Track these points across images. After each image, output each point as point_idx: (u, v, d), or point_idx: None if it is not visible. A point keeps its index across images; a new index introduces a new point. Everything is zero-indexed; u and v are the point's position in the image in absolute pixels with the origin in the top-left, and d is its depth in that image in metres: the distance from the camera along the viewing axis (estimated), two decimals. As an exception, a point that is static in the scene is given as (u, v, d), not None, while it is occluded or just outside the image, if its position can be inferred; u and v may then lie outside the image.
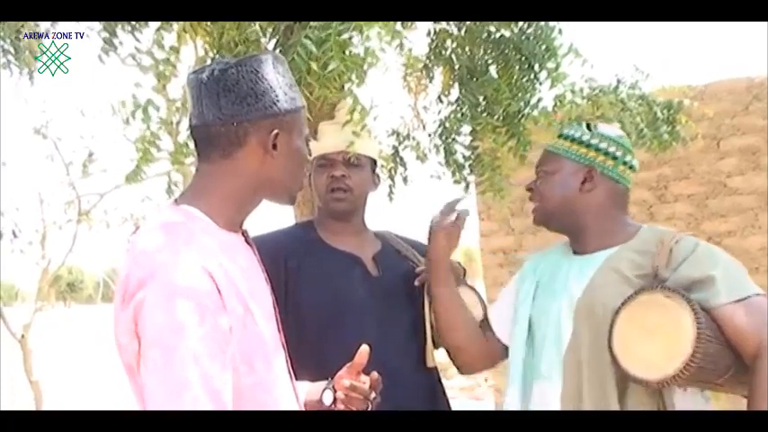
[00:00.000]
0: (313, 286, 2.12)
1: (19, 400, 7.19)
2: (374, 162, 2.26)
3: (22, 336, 6.26)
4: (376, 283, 2.15)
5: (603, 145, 1.94)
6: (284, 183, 1.46)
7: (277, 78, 1.40)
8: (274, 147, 1.40)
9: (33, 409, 6.20)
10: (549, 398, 1.88)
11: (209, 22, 2.40)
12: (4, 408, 7.88)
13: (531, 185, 2.00)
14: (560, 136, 2.01)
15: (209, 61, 2.58)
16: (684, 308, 1.69)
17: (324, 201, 2.20)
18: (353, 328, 2.06)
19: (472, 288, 2.27)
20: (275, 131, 1.39)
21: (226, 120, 1.37)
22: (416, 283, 2.15)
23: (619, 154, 1.96)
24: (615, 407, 1.78)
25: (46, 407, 6.32)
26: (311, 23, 2.06)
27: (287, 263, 2.13)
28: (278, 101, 1.39)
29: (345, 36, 2.03)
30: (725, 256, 1.85)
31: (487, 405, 6.29)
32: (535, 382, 1.93)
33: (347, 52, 2.04)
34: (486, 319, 2.16)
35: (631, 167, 1.99)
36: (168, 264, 1.26)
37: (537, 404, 1.92)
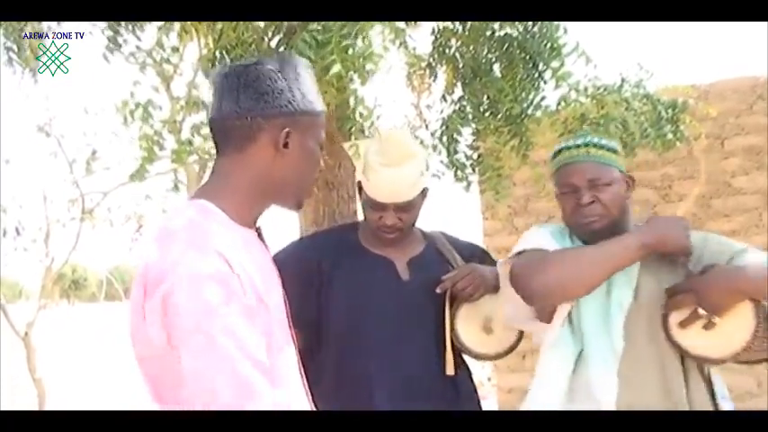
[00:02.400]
0: (342, 287, 2.13)
1: (22, 397, 7.20)
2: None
3: (26, 333, 6.27)
4: (403, 288, 2.15)
5: (620, 150, 2.07)
6: (293, 184, 1.47)
7: (297, 80, 1.43)
8: (285, 145, 1.42)
9: (37, 406, 6.21)
10: (605, 387, 1.93)
11: (209, 24, 2.40)
12: (7, 406, 7.90)
13: (591, 199, 2.01)
14: (600, 147, 2.05)
15: (210, 60, 2.58)
16: None
17: (372, 228, 2.19)
18: (375, 330, 2.07)
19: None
20: (287, 130, 1.41)
21: (241, 113, 1.40)
22: (438, 290, 2.12)
23: None
24: (683, 395, 1.89)
25: (49, 404, 6.33)
26: (310, 26, 2.05)
27: (321, 263, 2.16)
28: (294, 100, 1.42)
29: (348, 41, 2.01)
30: (725, 239, 2.03)
31: (491, 404, 6.29)
32: (585, 371, 1.97)
33: (349, 52, 2.03)
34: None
35: None
36: (188, 253, 1.30)
37: (588, 391, 1.95)
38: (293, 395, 1.45)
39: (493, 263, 2.22)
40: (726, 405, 1.95)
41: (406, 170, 2.08)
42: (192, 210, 1.40)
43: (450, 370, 2.12)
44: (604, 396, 1.91)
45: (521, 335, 2.20)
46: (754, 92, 5.17)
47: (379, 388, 2.04)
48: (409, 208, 2.14)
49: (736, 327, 1.83)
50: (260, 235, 1.51)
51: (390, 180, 2.07)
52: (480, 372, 9.59)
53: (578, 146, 2.05)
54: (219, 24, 2.34)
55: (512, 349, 2.21)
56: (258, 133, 1.41)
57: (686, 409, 1.87)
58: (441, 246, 2.26)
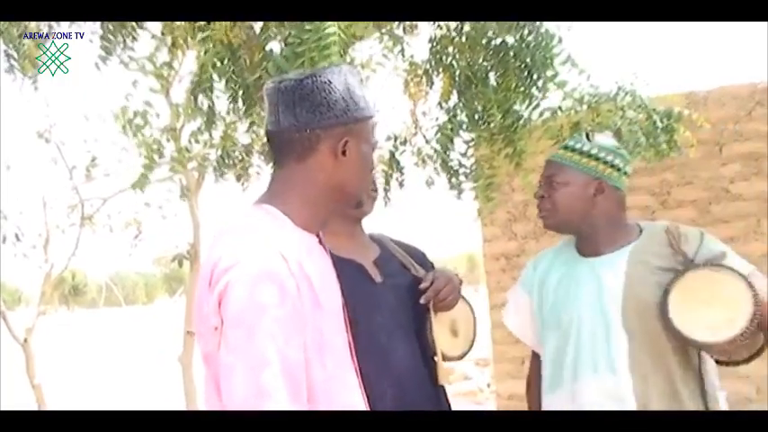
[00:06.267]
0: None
1: (21, 404, 7.20)
2: None
3: (25, 339, 6.26)
4: (378, 290, 2.12)
5: (609, 158, 2.08)
6: (353, 187, 1.57)
7: (349, 89, 1.51)
8: (344, 153, 1.51)
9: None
10: (621, 391, 1.95)
11: (199, 38, 2.43)
12: (5, 410, 7.88)
13: (543, 194, 2.09)
14: (566, 147, 2.12)
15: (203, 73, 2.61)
16: (736, 276, 1.90)
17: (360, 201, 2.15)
18: (361, 333, 2.06)
19: (465, 300, 2.24)
20: (345, 139, 1.50)
21: (300, 126, 1.49)
22: (422, 300, 2.09)
23: (621, 165, 2.10)
24: (681, 385, 1.95)
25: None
26: (289, 39, 2.09)
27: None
28: (348, 110, 1.50)
29: (315, 54, 2.05)
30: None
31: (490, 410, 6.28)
32: (587, 379, 2.01)
33: (317, 63, 2.07)
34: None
35: (627, 175, 2.14)
36: (251, 252, 1.39)
37: (594, 401, 1.98)
38: (337, 402, 1.48)
39: (432, 266, 2.26)
40: (721, 396, 1.99)
41: None
42: (258, 213, 1.50)
43: (443, 379, 2.12)
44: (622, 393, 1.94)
45: (476, 331, 2.25)
46: (752, 98, 5.19)
47: (378, 396, 2.03)
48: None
49: (735, 313, 1.85)
50: (321, 241, 1.59)
51: None
52: (480, 378, 9.57)
53: (563, 147, 2.14)
54: (207, 32, 2.36)
55: (471, 346, 2.24)
56: (317, 144, 1.49)
57: (691, 398, 1.92)
58: (392, 248, 2.24)
